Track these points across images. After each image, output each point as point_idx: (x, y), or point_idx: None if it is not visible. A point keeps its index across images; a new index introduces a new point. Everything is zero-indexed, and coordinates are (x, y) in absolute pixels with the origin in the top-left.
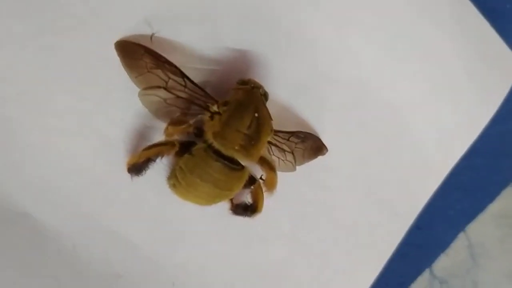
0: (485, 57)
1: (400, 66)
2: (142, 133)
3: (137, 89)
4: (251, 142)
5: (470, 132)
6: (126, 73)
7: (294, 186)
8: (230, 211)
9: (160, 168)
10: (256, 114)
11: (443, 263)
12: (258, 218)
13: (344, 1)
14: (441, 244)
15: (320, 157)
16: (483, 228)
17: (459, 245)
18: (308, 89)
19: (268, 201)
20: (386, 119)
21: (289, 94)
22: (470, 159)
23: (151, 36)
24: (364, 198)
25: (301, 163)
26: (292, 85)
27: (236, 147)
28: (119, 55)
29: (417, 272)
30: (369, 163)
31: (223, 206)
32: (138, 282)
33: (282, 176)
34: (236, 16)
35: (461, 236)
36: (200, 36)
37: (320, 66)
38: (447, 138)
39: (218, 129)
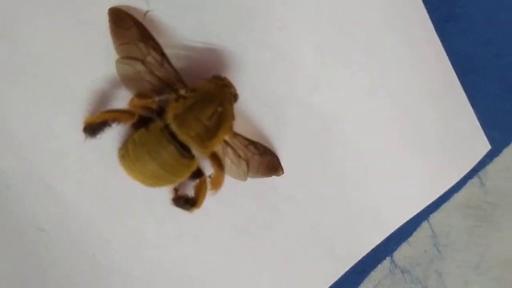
0: (458, 129)
1: (376, 112)
2: (107, 99)
3: (115, 56)
4: (207, 133)
5: (425, 197)
6: (111, 38)
7: (242, 199)
8: (172, 201)
9: (114, 140)
10: (219, 109)
11: (405, 251)
12: (199, 220)
13: (339, 37)
14: (402, 233)
15: (274, 178)
16: (448, 219)
17: (422, 234)
18: (279, 107)
19: (213, 205)
20: (348, 160)
21: (259, 106)
22: None
23: (145, 13)
24: (307, 231)
25: (254, 176)
26: (264, 99)
27: (192, 134)
28: (109, 20)
29: (377, 260)
30: (321, 199)
31: (167, 196)
32: (59, 241)
33: (232, 185)
34: (232, 18)
35: (425, 225)
36: (191, 25)
37: (297, 87)
38: (402, 197)
39: (179, 112)
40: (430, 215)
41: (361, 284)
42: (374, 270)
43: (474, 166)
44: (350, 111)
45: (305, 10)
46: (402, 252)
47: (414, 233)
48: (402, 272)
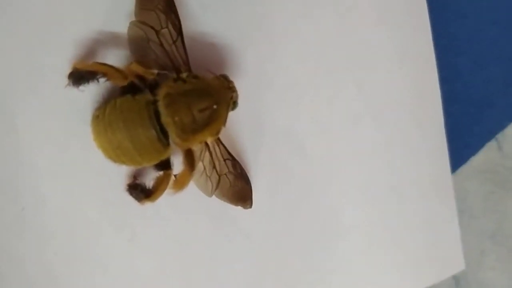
0: (439, 237)
1: (365, 186)
2: (103, 54)
3: (131, 17)
4: (192, 125)
5: None
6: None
7: (198, 215)
8: (127, 187)
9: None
10: (215, 106)
11: None
12: (147, 218)
13: (355, 93)
14: None
15: (239, 208)
16: (464, 183)
17: None
18: (271, 137)
19: (168, 211)
20: (322, 222)
21: (250, 127)
22: (450, 107)
23: None
24: (253, 274)
25: (220, 197)
26: (258, 122)
27: (176, 119)
28: None
29: None
30: (281, 249)
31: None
32: None
33: (194, 196)
34: (258, 33)
35: None
36: (217, 19)
37: (298, 125)
38: (366, 282)
39: (173, 92)
40: None
41: None
42: None
43: (492, 128)
44: (342, 173)
45: (329, 54)
46: None
47: None
48: None
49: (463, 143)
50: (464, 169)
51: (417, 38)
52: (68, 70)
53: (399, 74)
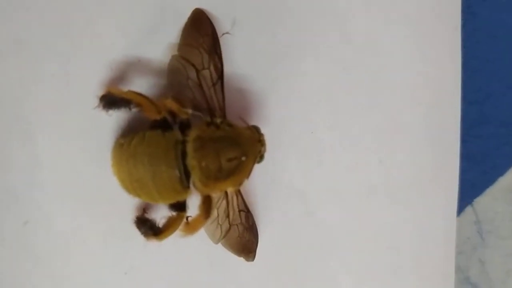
0: None
1: (366, 266)
2: (140, 80)
3: (174, 50)
4: (217, 173)
5: None
6: (180, 33)
7: (200, 257)
8: (135, 219)
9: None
10: (243, 158)
11: None
12: (144, 253)
13: (376, 167)
14: None
15: (241, 260)
16: (492, 203)
17: (465, 220)
18: (286, 198)
19: (169, 247)
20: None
21: (267, 184)
22: (479, 126)
23: (224, 33)
24: None
25: (225, 246)
26: (277, 180)
27: (203, 164)
28: (189, 18)
29: None
30: None
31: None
32: None
33: (199, 239)
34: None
35: (468, 210)
36: (260, 66)
37: (313, 189)
38: None
39: (204, 136)
40: (474, 200)
41: None
42: None
43: None
44: (346, 243)
45: (357, 123)
46: None
47: (457, 219)
48: None
49: (491, 164)
50: (492, 189)
51: (446, 125)
52: (100, 92)
53: (421, 156)
